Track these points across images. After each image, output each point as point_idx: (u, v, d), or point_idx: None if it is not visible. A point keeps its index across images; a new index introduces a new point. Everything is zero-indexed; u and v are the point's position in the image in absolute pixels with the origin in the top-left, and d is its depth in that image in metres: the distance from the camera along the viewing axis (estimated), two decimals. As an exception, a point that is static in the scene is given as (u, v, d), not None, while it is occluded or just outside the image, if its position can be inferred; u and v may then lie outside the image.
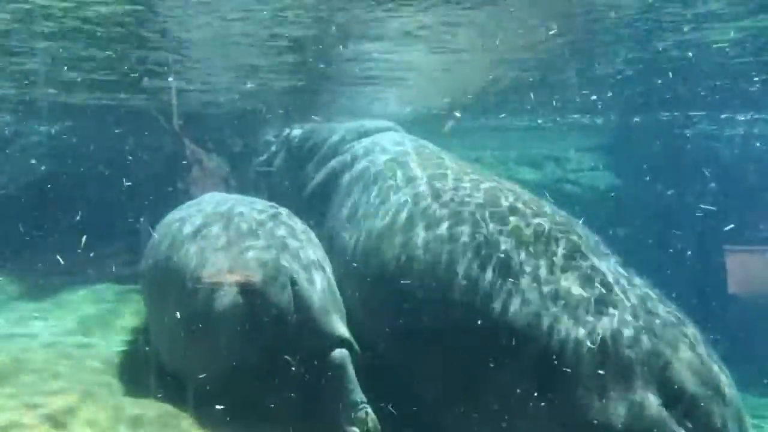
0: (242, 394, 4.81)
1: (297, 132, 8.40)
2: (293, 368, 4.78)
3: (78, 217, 10.65)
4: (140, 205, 10.14)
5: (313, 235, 5.71)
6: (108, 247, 10.42)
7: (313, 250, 5.39)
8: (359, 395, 4.82)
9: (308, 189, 7.26)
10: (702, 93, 12.22)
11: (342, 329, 5.00)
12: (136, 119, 12.56)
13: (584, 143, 18.13)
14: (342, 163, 6.93)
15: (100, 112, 12.14)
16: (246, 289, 4.86)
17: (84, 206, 11.01)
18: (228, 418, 4.73)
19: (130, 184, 11.13)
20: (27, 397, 4.81)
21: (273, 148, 9.16)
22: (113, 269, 10.13)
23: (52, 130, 13.41)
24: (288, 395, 4.82)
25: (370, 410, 4.74)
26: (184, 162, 12.05)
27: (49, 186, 11.57)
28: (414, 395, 5.16)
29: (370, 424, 4.70)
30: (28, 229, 10.55)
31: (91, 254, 9.83)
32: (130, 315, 8.05)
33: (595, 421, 4.21)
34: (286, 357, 4.72)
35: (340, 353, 4.89)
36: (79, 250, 9.60)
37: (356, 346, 5.04)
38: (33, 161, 12.17)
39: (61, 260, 9.33)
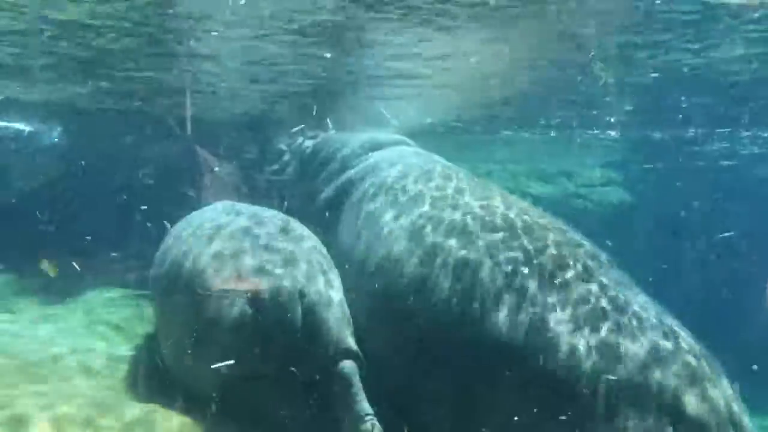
0: (249, 405, 4.81)
1: (309, 143, 8.43)
2: (301, 379, 4.78)
3: (89, 222, 10.74)
4: (152, 211, 10.20)
5: (322, 247, 5.72)
6: (119, 252, 10.48)
7: (323, 263, 5.39)
8: (366, 407, 4.81)
9: (319, 201, 7.28)
10: (720, 109, 12.19)
11: (350, 341, 5.00)
12: (150, 125, 12.67)
13: (596, 159, 18.07)
14: (353, 176, 6.93)
15: (114, 117, 12.26)
16: (254, 300, 4.86)
17: (96, 210, 11.10)
18: (235, 428, 4.73)
19: (141, 189, 11.21)
20: (30, 402, 4.83)
21: (285, 158, 9.20)
22: (124, 274, 10.18)
23: (66, 134, 13.56)
24: (295, 406, 4.82)
25: (376, 422, 4.72)
26: (197, 169, 12.12)
27: (61, 190, 11.67)
28: (418, 409, 5.14)
29: (377, 436, 4.68)
30: (40, 232, 10.63)
31: (103, 259, 9.91)
32: (140, 321, 8.08)
33: None
34: (294, 369, 4.72)
35: (347, 365, 4.88)
36: (89, 255, 9.69)
37: (363, 358, 5.02)
38: (46, 164, 12.29)
39: (72, 263, 9.40)
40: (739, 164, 17.21)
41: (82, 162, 12.06)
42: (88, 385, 5.55)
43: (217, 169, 12.39)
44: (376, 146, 7.32)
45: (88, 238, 9.95)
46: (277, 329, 4.80)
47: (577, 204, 16.41)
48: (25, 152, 12.96)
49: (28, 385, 5.34)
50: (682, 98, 11.16)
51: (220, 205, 6.40)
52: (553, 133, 14.95)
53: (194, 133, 12.77)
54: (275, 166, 9.05)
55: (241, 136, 13.37)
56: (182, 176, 11.96)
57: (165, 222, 6.72)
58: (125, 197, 11.47)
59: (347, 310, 5.25)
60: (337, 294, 5.22)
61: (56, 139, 13.62)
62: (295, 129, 9.10)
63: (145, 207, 10.61)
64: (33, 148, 13.15)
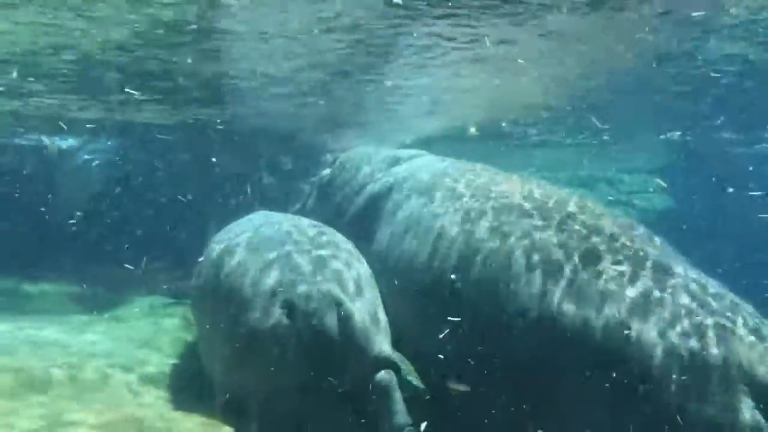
0: (289, 415, 4.82)
1: (327, 171, 8.52)
2: (338, 390, 4.76)
3: (133, 232, 11.01)
4: (198, 221, 10.40)
5: (359, 254, 5.72)
6: (163, 262, 10.70)
7: (360, 271, 5.39)
8: (405, 417, 4.77)
9: (348, 214, 7.31)
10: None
11: (387, 351, 4.97)
12: (194, 137, 12.95)
13: (638, 164, 17.70)
14: (385, 184, 6.95)
15: (158, 130, 12.57)
16: (291, 311, 4.88)
17: (139, 221, 11.39)
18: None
19: (186, 200, 11.44)
20: (70, 410, 4.93)
21: (306, 192, 9.31)
22: (167, 284, 10.39)
23: (111, 148, 13.94)
24: (334, 417, 4.81)
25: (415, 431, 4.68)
26: (240, 180, 12.34)
27: (106, 201, 12.00)
28: (472, 417, 5.08)
29: (416, 447, 4.65)
30: (85, 242, 10.94)
31: (146, 268, 10.11)
32: (182, 330, 8.21)
33: (686, 429, 4.05)
34: (331, 379, 4.71)
35: (385, 375, 4.86)
36: (137, 264, 9.91)
37: (403, 367, 4.99)
38: (91, 176, 12.65)
39: (116, 273, 9.64)
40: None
41: (130, 174, 12.40)
42: (127, 394, 5.65)
43: (259, 179, 12.59)
44: (400, 157, 7.36)
45: (132, 247, 10.21)
46: (313, 339, 4.79)
47: (620, 211, 16.08)
48: (74, 165, 13.37)
49: (72, 394, 5.46)
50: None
51: (256, 216, 6.47)
52: (606, 137, 14.74)
53: (235, 145, 13.02)
54: (297, 206, 9.15)
55: (278, 148, 13.57)
56: (225, 186, 12.19)
57: (208, 231, 6.83)
58: (170, 208, 11.74)
59: (385, 319, 5.23)
60: (374, 302, 5.21)
61: (105, 153, 14.02)
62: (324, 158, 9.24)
63: (191, 217, 10.85)
64: (81, 161, 13.55)
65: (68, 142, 13.38)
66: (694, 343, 4.20)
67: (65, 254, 10.58)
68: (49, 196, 11.70)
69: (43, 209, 11.27)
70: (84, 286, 10.25)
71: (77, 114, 10.99)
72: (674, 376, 4.16)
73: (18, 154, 12.30)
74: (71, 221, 10.98)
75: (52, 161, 12.60)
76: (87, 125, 11.81)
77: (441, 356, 5.14)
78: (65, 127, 11.59)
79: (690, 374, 4.14)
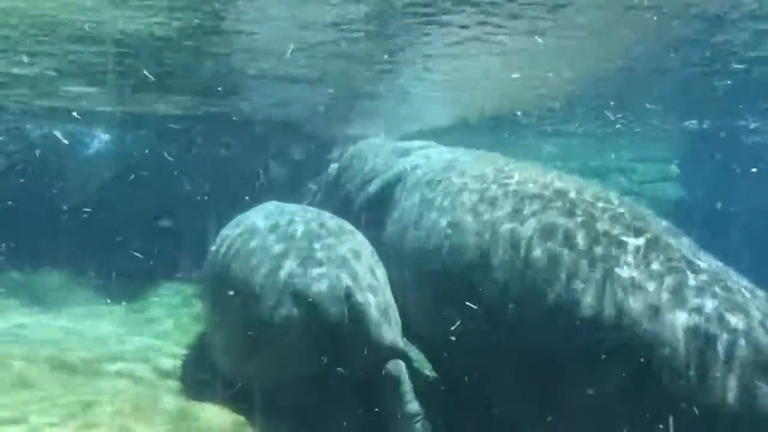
0: (299, 405, 4.84)
1: (334, 165, 8.50)
2: (349, 380, 4.78)
3: (146, 223, 11.07)
4: (210, 212, 10.43)
5: (369, 245, 5.72)
6: (176, 252, 10.75)
7: (370, 261, 5.39)
8: (415, 406, 4.78)
9: (358, 204, 7.28)
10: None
11: (397, 340, 4.98)
12: (205, 128, 12.99)
13: (652, 153, 17.54)
14: (395, 174, 6.91)
15: (172, 120, 12.62)
16: (302, 301, 4.90)
17: (151, 212, 11.44)
18: (284, 428, 4.77)
19: (197, 190, 11.49)
20: (78, 399, 4.98)
21: (313, 190, 9.31)
22: (181, 273, 10.44)
23: (127, 139, 14.02)
24: (344, 407, 4.83)
25: (426, 422, 4.69)
26: (250, 170, 12.37)
27: (119, 192, 12.07)
28: (482, 403, 5.08)
29: (426, 436, 4.66)
30: (100, 232, 11.01)
31: (159, 258, 10.18)
32: (195, 320, 8.26)
33: (704, 412, 4.07)
34: (341, 369, 4.73)
35: (395, 365, 4.87)
36: (147, 254, 9.98)
37: (413, 356, 4.99)
38: (104, 166, 12.73)
39: (130, 263, 9.70)
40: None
41: (144, 165, 12.46)
42: (138, 382, 5.70)
43: (269, 170, 12.61)
44: (409, 148, 7.33)
45: (146, 238, 10.28)
46: (323, 330, 4.81)
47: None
48: (84, 156, 13.45)
49: (81, 383, 5.51)
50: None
51: (267, 206, 6.47)
52: (618, 126, 14.61)
53: (246, 137, 13.04)
54: (305, 203, 9.18)
55: (288, 139, 13.58)
56: (237, 177, 12.22)
57: (219, 222, 6.84)
58: (183, 198, 11.79)
59: (395, 309, 5.23)
60: (384, 293, 5.21)
61: (117, 144, 14.10)
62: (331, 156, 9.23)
63: (204, 207, 10.88)
64: (93, 153, 13.63)
65: (80, 132, 13.47)
66: (713, 329, 4.21)
67: (79, 244, 10.66)
68: (63, 185, 11.79)
69: (58, 199, 11.37)
70: (99, 276, 10.33)
71: (92, 104, 11.04)
72: (694, 361, 4.18)
73: (31, 144, 12.37)
74: (85, 210, 11.07)
75: (64, 151, 12.68)
76: (100, 115, 11.88)
77: (454, 345, 5.13)
78: (79, 117, 11.65)
79: (709, 359, 4.15)
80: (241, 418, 4.87)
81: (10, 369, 5.51)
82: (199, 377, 5.99)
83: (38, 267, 10.26)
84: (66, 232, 10.71)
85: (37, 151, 12.24)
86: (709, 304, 4.32)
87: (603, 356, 4.41)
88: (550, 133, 16.15)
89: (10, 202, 10.67)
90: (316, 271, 5.03)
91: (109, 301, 9.43)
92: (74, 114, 11.39)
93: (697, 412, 4.08)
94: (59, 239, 10.44)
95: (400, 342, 5.01)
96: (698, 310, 4.31)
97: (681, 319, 4.30)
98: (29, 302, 9.09)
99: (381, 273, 5.45)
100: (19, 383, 5.31)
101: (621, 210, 5.04)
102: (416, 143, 7.49)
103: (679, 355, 4.22)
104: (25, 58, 8.24)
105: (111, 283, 10.01)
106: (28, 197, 11.11)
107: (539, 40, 7.42)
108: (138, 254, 9.84)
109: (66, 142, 12.48)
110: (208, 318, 6.16)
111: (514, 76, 9.53)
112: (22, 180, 11.45)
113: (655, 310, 4.36)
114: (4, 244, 9.98)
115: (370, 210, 6.94)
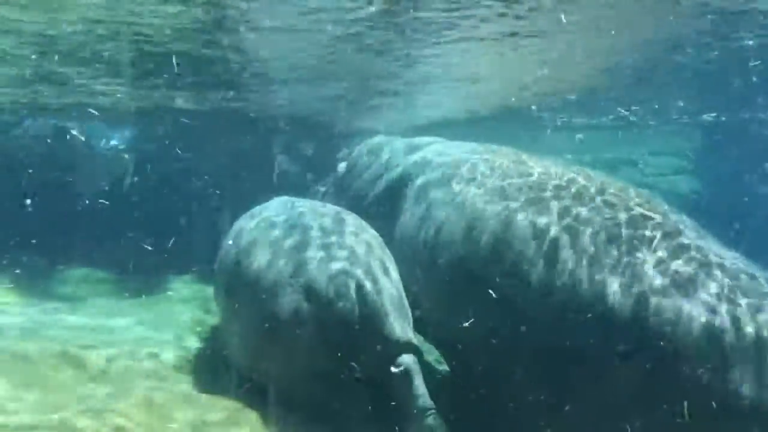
0: (309, 399, 4.87)
1: (342, 165, 8.50)
2: (360, 374, 4.80)
3: (160, 217, 11.14)
4: (223, 206, 10.47)
5: (380, 239, 5.73)
6: (189, 247, 10.81)
7: (381, 255, 5.40)
8: (427, 401, 4.79)
9: (369, 199, 7.27)
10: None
11: (409, 335, 4.99)
12: (219, 123, 13.02)
13: (664, 146, 17.40)
14: (406, 168, 6.90)
15: (184, 115, 12.66)
16: (313, 295, 4.92)
17: (166, 207, 11.51)
18: (296, 422, 4.80)
19: (212, 185, 11.54)
20: (92, 394, 5.03)
21: (322, 191, 9.30)
22: (194, 269, 10.50)
23: (139, 134, 14.09)
24: (355, 402, 4.85)
25: (438, 416, 4.70)
26: (264, 164, 12.40)
27: (132, 186, 12.14)
28: (496, 397, 5.09)
29: (439, 431, 4.66)
30: (114, 226, 11.08)
31: (173, 253, 10.24)
32: (209, 314, 8.31)
33: (721, 406, 4.08)
34: (352, 363, 4.75)
35: (407, 359, 4.88)
36: (160, 249, 10.04)
37: (425, 351, 5.00)
38: (119, 162, 12.81)
39: (143, 257, 9.77)
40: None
41: (156, 160, 12.53)
42: (154, 378, 5.75)
43: (282, 164, 12.65)
44: (419, 144, 7.30)
45: (159, 233, 10.34)
46: (334, 324, 4.83)
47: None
48: (99, 151, 13.56)
49: (95, 378, 5.57)
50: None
51: (278, 200, 6.50)
52: (633, 118, 14.49)
53: (256, 131, 13.07)
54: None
55: (299, 133, 13.58)
56: (248, 172, 12.25)
57: (232, 217, 6.88)
58: (197, 193, 11.85)
59: (406, 304, 5.25)
60: (396, 287, 5.22)
61: (130, 139, 14.18)
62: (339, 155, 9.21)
63: (217, 202, 10.94)
64: (108, 148, 13.73)
65: (96, 128, 13.56)
66: (729, 321, 4.22)
67: (94, 239, 10.75)
68: (78, 181, 11.88)
69: (73, 195, 11.46)
70: (115, 271, 10.41)
71: (107, 99, 11.10)
72: (710, 354, 4.19)
73: (46, 139, 12.46)
74: (101, 203, 11.16)
75: (80, 147, 12.77)
76: (116, 111, 11.94)
77: (468, 339, 5.14)
78: (96, 113, 11.72)
79: (725, 352, 4.16)
80: (254, 412, 4.92)
81: (27, 364, 5.57)
82: (212, 371, 6.04)
83: (54, 262, 10.35)
84: (82, 227, 10.80)
85: (52, 147, 12.32)
86: (734, 298, 4.31)
87: (624, 349, 4.42)
88: (561, 126, 16.05)
89: (26, 198, 10.77)
90: (327, 265, 5.05)
91: (126, 295, 9.50)
92: (91, 110, 11.47)
93: (718, 406, 4.08)
94: (76, 235, 10.53)
95: (412, 336, 5.02)
96: (723, 303, 4.31)
97: (704, 311, 4.29)
98: (45, 297, 9.17)
99: (392, 267, 5.47)
100: (34, 378, 5.37)
101: (642, 202, 5.02)
102: (426, 139, 7.47)
103: (699, 348, 4.22)
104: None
105: (127, 278, 10.08)
106: (43, 193, 11.20)
107: (563, 18, 7.31)
108: (152, 248, 9.90)
109: (82, 137, 12.57)
110: (222, 312, 6.21)
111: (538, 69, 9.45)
112: (37, 176, 11.54)
113: (678, 303, 4.35)
114: (20, 240, 10.08)
115: (381, 205, 6.94)
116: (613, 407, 4.45)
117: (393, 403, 4.85)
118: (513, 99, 12.91)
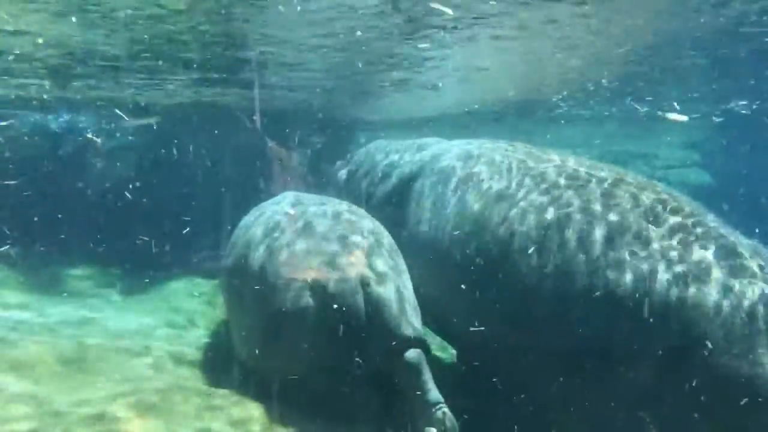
0: (317, 394, 4.85)
1: (344, 171, 8.46)
2: (368, 369, 4.77)
3: (164, 213, 11.14)
4: (229, 202, 10.48)
5: (387, 234, 5.70)
6: (194, 243, 10.82)
7: (388, 250, 5.37)
8: (436, 395, 4.76)
9: (376, 197, 7.25)
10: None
11: (416, 329, 4.96)
12: (220, 117, 13.00)
13: (674, 139, 17.28)
14: (414, 166, 6.86)
15: (185, 109, 12.66)
16: (318, 291, 4.90)
17: (170, 202, 11.52)
18: (304, 417, 4.79)
19: (217, 181, 11.53)
20: (106, 390, 5.04)
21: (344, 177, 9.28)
22: (199, 264, 10.52)
23: (141, 129, 14.07)
24: (364, 396, 4.82)
25: (447, 410, 4.66)
26: (267, 160, 12.38)
27: (136, 183, 12.15)
28: (506, 390, 5.07)
29: (448, 424, 4.62)
30: (118, 224, 11.10)
31: (178, 249, 10.26)
32: (216, 309, 8.33)
33: (742, 388, 4.06)
34: (359, 359, 4.72)
35: (415, 353, 4.82)
36: (167, 245, 10.06)
37: (433, 346, 4.97)
38: (124, 158, 12.81)
39: (148, 253, 9.79)
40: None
41: (159, 155, 12.52)
42: (159, 372, 5.75)
43: (285, 159, 12.62)
44: (425, 143, 7.26)
45: (163, 229, 10.35)
46: (341, 318, 4.79)
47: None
48: (106, 147, 13.55)
49: (102, 373, 5.58)
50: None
51: (285, 196, 6.49)
52: (645, 108, 14.39)
53: (263, 125, 13.04)
54: None
55: (309, 126, 13.56)
56: (255, 168, 12.25)
57: (238, 212, 6.87)
58: (202, 189, 11.85)
59: (414, 298, 5.22)
60: (403, 281, 5.19)
61: (138, 135, 14.17)
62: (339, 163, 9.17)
63: (223, 198, 10.94)
64: (114, 144, 13.73)
65: (102, 122, 13.55)
66: (747, 308, 4.21)
67: (101, 236, 10.78)
68: (85, 177, 11.90)
69: (79, 191, 11.48)
70: (121, 267, 10.44)
71: (110, 93, 11.12)
72: (729, 340, 4.17)
73: (53, 137, 12.48)
74: (108, 200, 11.18)
75: (85, 142, 12.78)
76: (123, 104, 11.96)
77: (478, 333, 5.11)
78: (104, 109, 11.75)
79: (743, 338, 4.15)
80: (261, 408, 4.91)
81: (34, 360, 5.59)
82: (219, 365, 6.04)
83: (61, 259, 10.39)
84: (88, 223, 10.82)
85: (58, 142, 12.34)
86: (741, 285, 4.30)
87: (642, 339, 4.38)
88: (571, 118, 15.95)
89: (31, 194, 10.80)
90: (334, 260, 5.03)
91: (131, 291, 9.54)
92: (98, 104, 11.49)
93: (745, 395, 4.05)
94: (82, 231, 10.55)
95: (420, 330, 4.99)
96: (743, 288, 4.29)
97: (724, 297, 4.27)
98: (52, 293, 9.22)
99: (400, 261, 5.43)
100: (42, 374, 5.39)
101: (657, 191, 4.98)
102: (431, 140, 7.43)
103: (712, 334, 4.19)
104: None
105: (133, 273, 10.11)
106: (50, 189, 11.23)
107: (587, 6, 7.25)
108: (158, 245, 9.92)
109: (88, 133, 12.58)
110: (228, 307, 6.20)
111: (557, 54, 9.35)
112: (43, 172, 11.56)
113: (697, 290, 4.33)
114: (27, 237, 10.12)
115: (389, 202, 6.91)
116: (631, 399, 4.41)
117: (401, 398, 4.82)
118: (536, 89, 12.83)
